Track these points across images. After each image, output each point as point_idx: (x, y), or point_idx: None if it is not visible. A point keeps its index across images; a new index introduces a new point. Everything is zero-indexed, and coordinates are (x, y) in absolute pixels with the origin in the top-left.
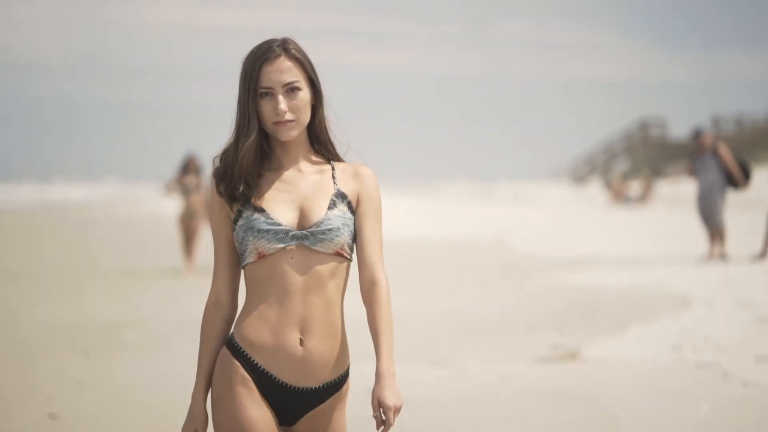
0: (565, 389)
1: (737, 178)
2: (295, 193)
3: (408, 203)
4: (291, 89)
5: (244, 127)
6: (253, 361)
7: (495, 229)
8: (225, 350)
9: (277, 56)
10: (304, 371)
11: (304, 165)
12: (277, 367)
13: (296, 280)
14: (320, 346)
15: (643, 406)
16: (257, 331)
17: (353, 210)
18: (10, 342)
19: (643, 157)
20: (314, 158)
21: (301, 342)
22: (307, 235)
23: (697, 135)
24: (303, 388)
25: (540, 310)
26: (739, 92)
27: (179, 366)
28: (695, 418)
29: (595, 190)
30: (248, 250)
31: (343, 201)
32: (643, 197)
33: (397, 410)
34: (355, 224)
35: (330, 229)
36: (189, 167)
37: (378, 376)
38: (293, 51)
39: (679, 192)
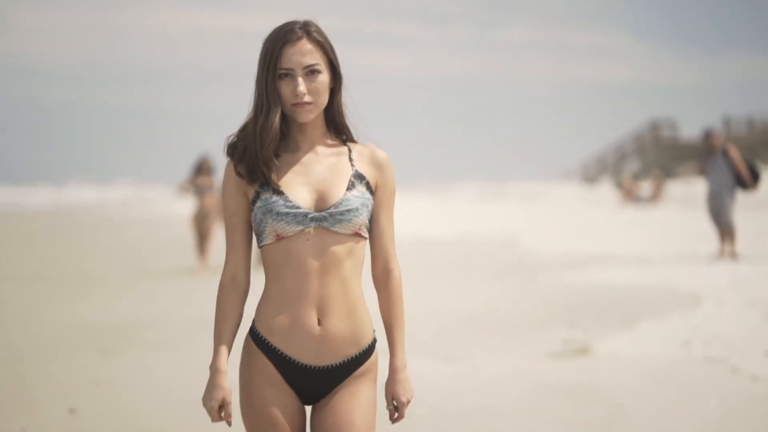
0: (576, 384)
1: (746, 179)
2: (312, 176)
3: (421, 203)
4: (311, 72)
5: (262, 107)
6: (273, 346)
7: (507, 229)
8: (248, 338)
9: (299, 38)
10: (324, 350)
11: (321, 147)
12: (296, 350)
13: (313, 261)
14: (338, 325)
15: (653, 400)
16: (276, 316)
17: (372, 191)
18: (31, 341)
19: (654, 157)
20: (330, 141)
21: (319, 322)
22: (326, 217)
23: (707, 136)
24: (323, 367)
25: (551, 307)
26: (750, 93)
27: (194, 363)
28: (704, 412)
29: (606, 190)
30: (266, 232)
31: (361, 182)
32: (654, 197)
33: (408, 403)
34: (372, 209)
35: (349, 210)
36: (202, 168)
37: (392, 370)
38: (315, 34)
39: (689, 192)
